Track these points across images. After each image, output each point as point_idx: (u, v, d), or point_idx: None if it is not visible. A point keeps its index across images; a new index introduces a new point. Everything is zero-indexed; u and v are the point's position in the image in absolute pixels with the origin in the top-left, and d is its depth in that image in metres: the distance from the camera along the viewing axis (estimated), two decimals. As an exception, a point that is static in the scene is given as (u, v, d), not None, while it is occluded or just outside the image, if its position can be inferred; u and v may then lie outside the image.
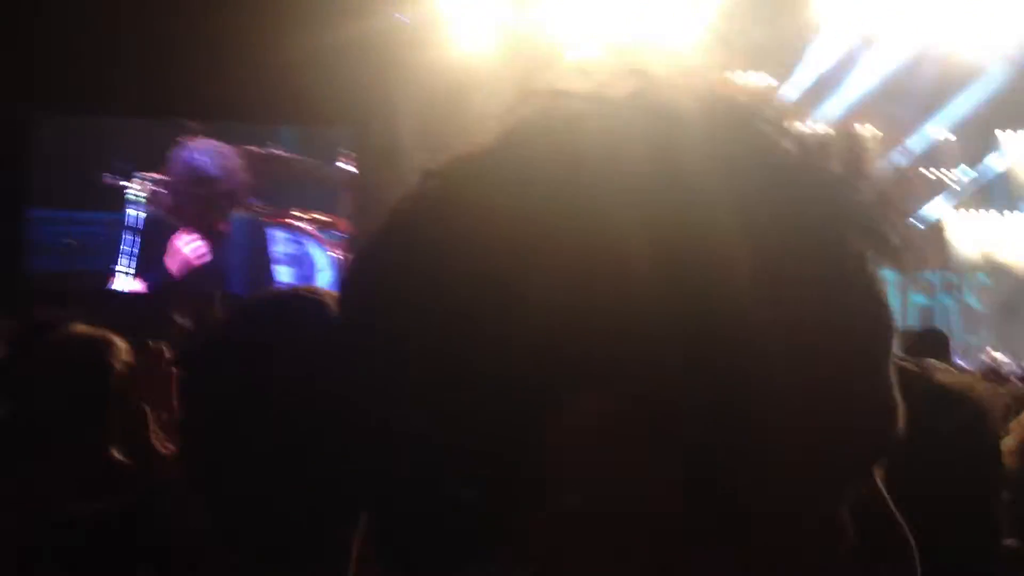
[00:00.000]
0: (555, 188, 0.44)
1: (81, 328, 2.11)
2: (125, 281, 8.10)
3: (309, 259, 8.54)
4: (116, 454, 2.07)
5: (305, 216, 8.53)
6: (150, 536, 1.65)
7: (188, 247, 8.04)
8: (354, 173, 8.61)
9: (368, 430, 0.48)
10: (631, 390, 0.42)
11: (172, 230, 8.08)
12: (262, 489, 0.92)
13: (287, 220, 8.53)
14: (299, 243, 8.59)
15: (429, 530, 0.46)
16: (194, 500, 1.07)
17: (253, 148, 8.39)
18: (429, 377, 0.45)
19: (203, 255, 8.03)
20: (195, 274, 8.06)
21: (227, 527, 0.98)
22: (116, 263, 8.07)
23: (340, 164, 8.64)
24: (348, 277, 0.51)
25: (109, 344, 2.07)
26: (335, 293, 0.94)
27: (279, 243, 8.46)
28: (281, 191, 8.57)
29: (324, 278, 8.31)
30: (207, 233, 8.10)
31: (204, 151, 8.13)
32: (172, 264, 8.02)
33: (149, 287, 8.07)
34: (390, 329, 0.46)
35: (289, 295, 1.05)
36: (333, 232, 8.58)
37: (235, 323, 1.04)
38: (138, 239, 8.14)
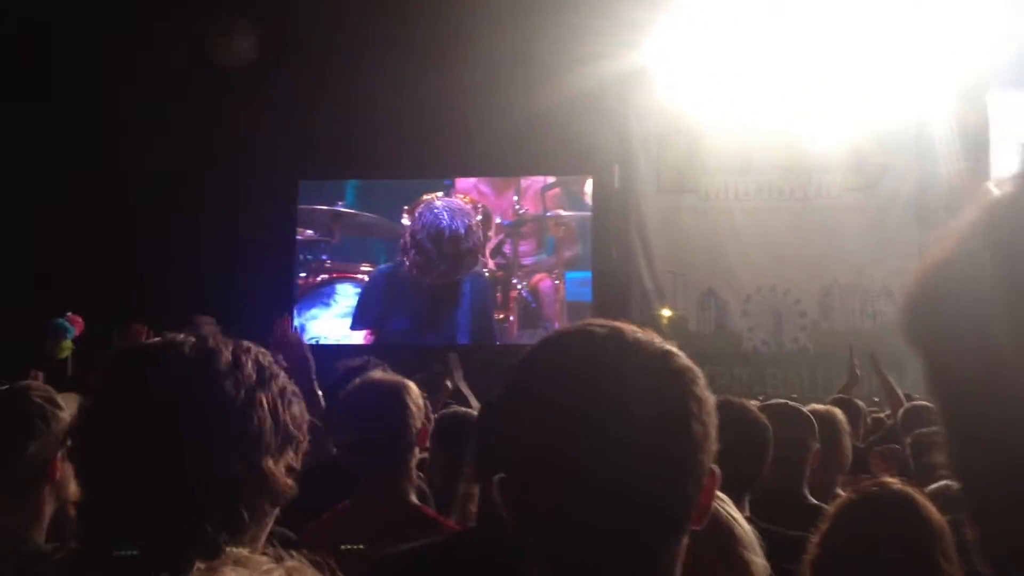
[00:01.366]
0: None
1: (382, 375, 2.20)
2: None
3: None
4: (412, 498, 2.13)
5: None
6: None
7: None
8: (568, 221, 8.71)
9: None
10: None
11: (407, 283, 8.48)
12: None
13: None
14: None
15: None
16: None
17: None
18: None
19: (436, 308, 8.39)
20: (427, 327, 8.39)
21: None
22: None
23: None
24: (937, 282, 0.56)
25: (408, 389, 2.14)
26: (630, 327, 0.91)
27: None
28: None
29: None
30: (444, 287, 8.45)
31: (447, 209, 8.50)
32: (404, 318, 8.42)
33: (378, 338, 8.42)
34: None
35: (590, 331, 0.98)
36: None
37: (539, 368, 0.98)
38: (370, 292, 8.55)
